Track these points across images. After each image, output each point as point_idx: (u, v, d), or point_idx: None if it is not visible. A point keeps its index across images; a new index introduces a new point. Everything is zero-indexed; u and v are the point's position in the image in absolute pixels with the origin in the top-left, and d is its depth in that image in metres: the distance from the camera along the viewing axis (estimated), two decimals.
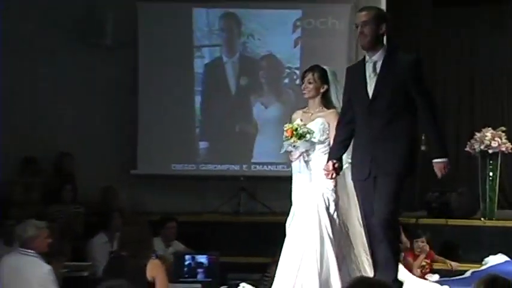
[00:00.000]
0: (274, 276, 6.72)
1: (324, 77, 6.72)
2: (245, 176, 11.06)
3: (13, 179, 10.68)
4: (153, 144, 11.26)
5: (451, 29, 12.07)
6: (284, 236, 6.74)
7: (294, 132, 6.53)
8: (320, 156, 6.58)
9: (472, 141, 10.20)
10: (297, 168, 6.70)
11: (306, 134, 6.52)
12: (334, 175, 6.26)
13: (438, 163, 6.03)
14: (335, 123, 6.48)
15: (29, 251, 7.08)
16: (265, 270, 8.12)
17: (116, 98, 11.33)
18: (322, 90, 6.71)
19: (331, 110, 6.66)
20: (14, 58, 11.05)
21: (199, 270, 8.88)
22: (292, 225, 6.71)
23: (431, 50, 12.13)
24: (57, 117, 11.29)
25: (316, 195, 6.60)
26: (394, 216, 6.08)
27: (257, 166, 10.99)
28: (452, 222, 10.28)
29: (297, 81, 10.26)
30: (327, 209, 6.57)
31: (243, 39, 11.39)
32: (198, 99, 11.41)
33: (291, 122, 6.75)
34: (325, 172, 6.24)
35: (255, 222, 10.41)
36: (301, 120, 6.71)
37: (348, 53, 10.74)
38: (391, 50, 6.09)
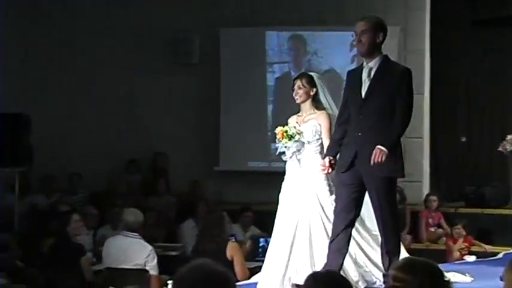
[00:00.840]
0: None
1: (311, 82, 6.26)
2: None
3: (118, 176, 10.87)
4: (232, 145, 11.29)
5: (488, 42, 11.45)
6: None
7: (285, 134, 6.09)
8: (311, 155, 6.12)
9: (504, 142, 10.03)
10: (291, 166, 6.19)
11: (295, 135, 6.08)
12: (330, 170, 5.76)
13: (378, 149, 5.37)
14: (325, 123, 6.14)
15: (134, 233, 7.15)
16: None
17: (202, 107, 11.43)
18: (311, 93, 6.23)
19: (321, 111, 6.22)
20: (115, 75, 11.29)
21: None
22: (281, 210, 6.26)
23: (471, 62, 11.62)
24: (154, 123, 11.41)
25: (308, 189, 6.11)
26: (394, 218, 5.60)
27: None
28: (487, 211, 10.26)
29: None
30: (318, 198, 6.04)
31: (308, 57, 11.34)
32: (270, 107, 11.42)
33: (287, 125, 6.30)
34: (322, 168, 5.75)
35: None
36: (297, 122, 6.24)
37: None
38: (387, 59, 5.64)
